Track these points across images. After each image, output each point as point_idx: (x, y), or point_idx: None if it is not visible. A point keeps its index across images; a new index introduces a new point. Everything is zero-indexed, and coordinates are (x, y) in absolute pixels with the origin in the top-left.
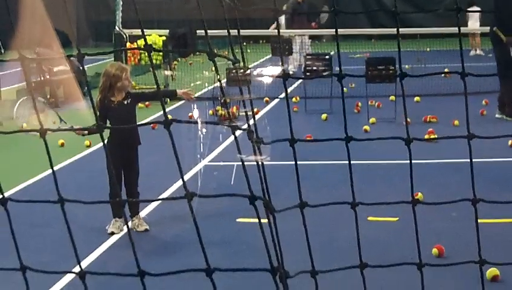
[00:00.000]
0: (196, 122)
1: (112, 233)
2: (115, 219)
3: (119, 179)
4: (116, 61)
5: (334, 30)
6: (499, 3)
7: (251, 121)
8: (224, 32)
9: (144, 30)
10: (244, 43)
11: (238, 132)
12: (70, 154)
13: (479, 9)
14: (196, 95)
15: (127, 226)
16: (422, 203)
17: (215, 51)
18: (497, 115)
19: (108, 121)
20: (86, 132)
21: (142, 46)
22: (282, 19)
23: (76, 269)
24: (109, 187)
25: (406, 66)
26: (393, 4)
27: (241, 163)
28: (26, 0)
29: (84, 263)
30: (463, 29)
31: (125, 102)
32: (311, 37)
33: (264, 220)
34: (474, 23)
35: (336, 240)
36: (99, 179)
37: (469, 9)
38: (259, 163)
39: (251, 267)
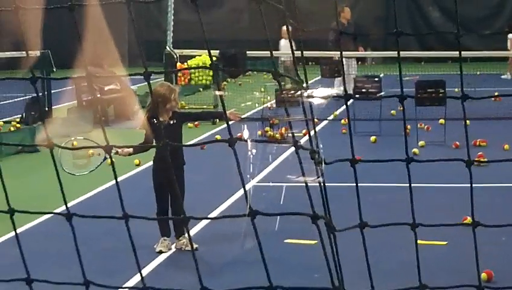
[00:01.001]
0: (261, 141)
1: (160, 252)
2: (163, 238)
3: (166, 198)
4: (166, 82)
5: (387, 52)
6: None
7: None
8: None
9: (194, 50)
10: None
11: (286, 153)
12: (120, 172)
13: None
14: (245, 115)
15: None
16: (482, 225)
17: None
18: None
19: (154, 141)
20: (131, 150)
21: (193, 66)
22: (282, 42)
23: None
24: (156, 206)
25: (456, 90)
26: (441, 27)
27: (290, 184)
28: (91, 20)
29: (131, 282)
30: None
31: (172, 122)
32: (359, 60)
33: (312, 242)
34: None
35: (384, 261)
36: (148, 197)
37: (510, 35)
38: (321, 183)
39: (307, 287)
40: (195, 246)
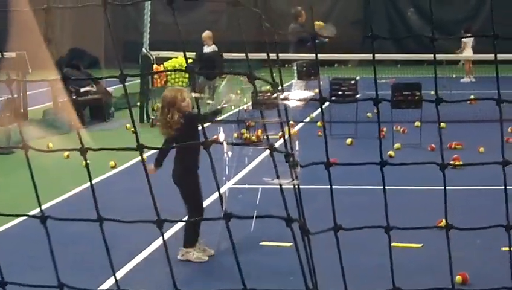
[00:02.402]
0: (237, 144)
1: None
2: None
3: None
4: (175, 86)
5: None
6: None
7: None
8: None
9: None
10: (277, 65)
11: (262, 155)
12: (96, 173)
13: (470, 35)
14: (221, 117)
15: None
16: (455, 228)
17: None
18: None
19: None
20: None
21: (169, 68)
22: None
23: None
24: (196, 211)
25: (431, 92)
26: (420, 29)
27: (266, 186)
28: (19, 22)
29: (106, 284)
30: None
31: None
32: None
33: (287, 244)
34: (469, 50)
35: (360, 264)
36: (124, 199)
37: (464, 36)
38: (296, 186)
39: (281, 289)
40: (212, 251)
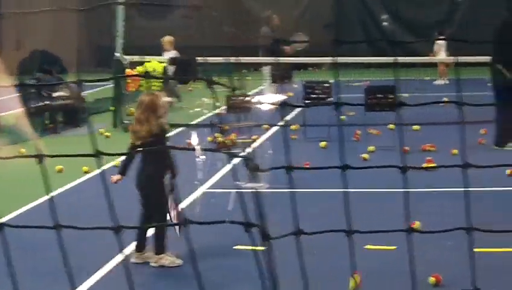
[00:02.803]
0: (193, 149)
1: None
2: (166, 254)
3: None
4: (152, 92)
5: (333, 59)
6: (502, 42)
7: (249, 149)
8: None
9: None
10: (244, 70)
11: (237, 159)
12: (68, 179)
13: (443, 38)
14: (195, 121)
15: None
16: (417, 231)
17: (216, 78)
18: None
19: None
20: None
21: (143, 72)
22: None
23: None
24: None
25: (406, 95)
26: (394, 31)
27: (239, 190)
28: None
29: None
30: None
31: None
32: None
33: (261, 248)
34: (442, 53)
35: (332, 269)
36: (95, 205)
37: (438, 40)
38: (255, 190)
39: None
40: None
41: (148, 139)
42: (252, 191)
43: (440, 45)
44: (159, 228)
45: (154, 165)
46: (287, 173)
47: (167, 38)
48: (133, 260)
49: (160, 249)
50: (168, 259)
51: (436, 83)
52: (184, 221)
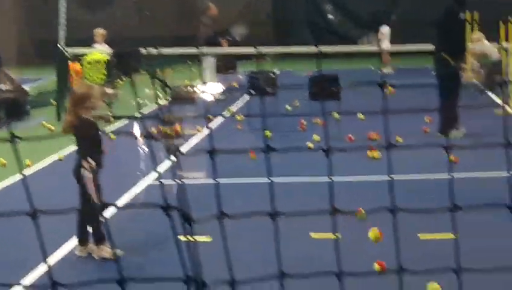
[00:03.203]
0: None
1: (80, 256)
2: (80, 244)
3: None
4: (85, 83)
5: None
6: (445, 30)
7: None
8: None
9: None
10: (189, 62)
11: (182, 150)
12: (13, 172)
13: (387, 28)
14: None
15: None
16: (342, 212)
17: (158, 71)
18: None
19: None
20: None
21: (86, 64)
22: None
23: None
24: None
25: (350, 85)
26: (339, 22)
27: (180, 181)
28: None
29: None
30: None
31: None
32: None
33: (207, 239)
34: (386, 42)
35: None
36: (38, 198)
37: (381, 29)
38: (179, 175)
39: (160, 277)
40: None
41: (72, 130)
42: (197, 182)
43: (383, 34)
44: (90, 219)
45: (82, 155)
46: (210, 157)
47: (100, 31)
48: (76, 253)
49: (98, 241)
50: (108, 251)
51: (384, 71)
52: (103, 206)
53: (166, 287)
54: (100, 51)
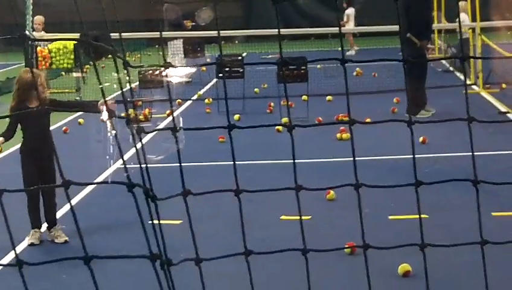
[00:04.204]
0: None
1: (32, 244)
2: (34, 230)
3: (38, 191)
4: (30, 68)
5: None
6: (411, 10)
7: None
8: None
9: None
10: (157, 46)
11: (150, 135)
12: None
13: (353, 10)
14: (109, 97)
15: None
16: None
17: (125, 54)
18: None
19: (22, 131)
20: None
21: (53, 50)
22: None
23: None
24: (27, 199)
25: (318, 66)
26: (307, 6)
27: (148, 165)
28: None
29: None
30: (362, 29)
31: (42, 109)
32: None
33: (176, 221)
34: (351, 23)
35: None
36: (8, 183)
37: (347, 11)
38: (138, 151)
39: (134, 255)
40: (66, 238)
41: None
42: (144, 161)
43: (348, 14)
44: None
45: (24, 141)
46: (172, 134)
47: (40, 19)
48: (32, 241)
49: (54, 224)
50: (32, 236)
51: (348, 53)
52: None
53: (133, 265)
54: (67, 36)
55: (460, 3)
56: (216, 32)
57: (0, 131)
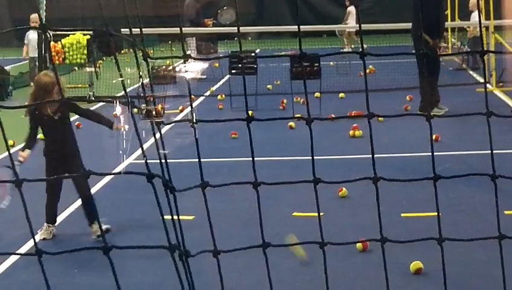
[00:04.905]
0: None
1: (44, 239)
2: (48, 225)
3: (59, 191)
4: (48, 70)
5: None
6: (423, 9)
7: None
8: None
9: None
10: (170, 42)
11: (163, 130)
12: None
13: (353, 8)
14: (120, 93)
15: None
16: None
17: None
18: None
19: (43, 134)
20: (27, 152)
21: (67, 45)
22: None
23: None
24: (47, 197)
25: (331, 63)
26: (318, 2)
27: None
28: None
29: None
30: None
31: (57, 116)
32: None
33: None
34: (351, 21)
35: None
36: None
37: (348, 8)
38: (158, 141)
39: (153, 245)
40: (106, 226)
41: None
42: (162, 155)
43: (349, 12)
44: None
45: (45, 142)
46: (191, 126)
47: (35, 17)
48: (44, 236)
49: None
50: (43, 232)
51: (345, 50)
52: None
53: (152, 255)
54: (81, 31)
55: (473, 1)
56: (228, 28)
57: (10, 128)
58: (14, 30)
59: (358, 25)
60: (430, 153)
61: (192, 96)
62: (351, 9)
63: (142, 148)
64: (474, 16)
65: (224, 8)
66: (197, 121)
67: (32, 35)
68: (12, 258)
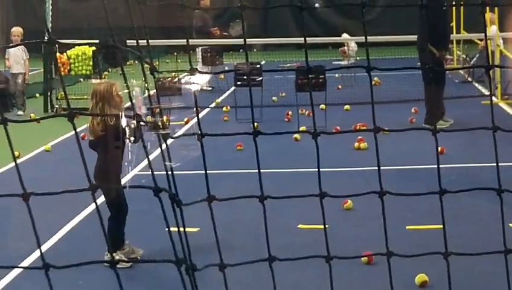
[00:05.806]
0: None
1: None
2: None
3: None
4: (103, 79)
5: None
6: (429, 20)
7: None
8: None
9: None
10: (175, 53)
11: (168, 141)
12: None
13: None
14: (125, 104)
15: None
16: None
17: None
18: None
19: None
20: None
21: (72, 56)
22: None
23: None
24: (118, 217)
25: (336, 75)
26: (324, 13)
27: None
28: None
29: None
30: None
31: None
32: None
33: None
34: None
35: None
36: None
37: (344, 34)
38: (165, 153)
39: (160, 259)
40: (141, 251)
41: (102, 133)
42: (182, 172)
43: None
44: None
45: (108, 157)
46: (198, 139)
47: (18, 30)
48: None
49: (112, 247)
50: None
51: (342, 63)
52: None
53: (158, 271)
54: (87, 43)
55: (489, 16)
56: (233, 40)
57: (15, 139)
58: (24, 39)
59: (363, 37)
60: (436, 165)
61: (198, 107)
62: (346, 36)
63: (149, 161)
64: (493, 29)
65: (237, 20)
66: (204, 135)
67: (13, 51)
68: (16, 270)
